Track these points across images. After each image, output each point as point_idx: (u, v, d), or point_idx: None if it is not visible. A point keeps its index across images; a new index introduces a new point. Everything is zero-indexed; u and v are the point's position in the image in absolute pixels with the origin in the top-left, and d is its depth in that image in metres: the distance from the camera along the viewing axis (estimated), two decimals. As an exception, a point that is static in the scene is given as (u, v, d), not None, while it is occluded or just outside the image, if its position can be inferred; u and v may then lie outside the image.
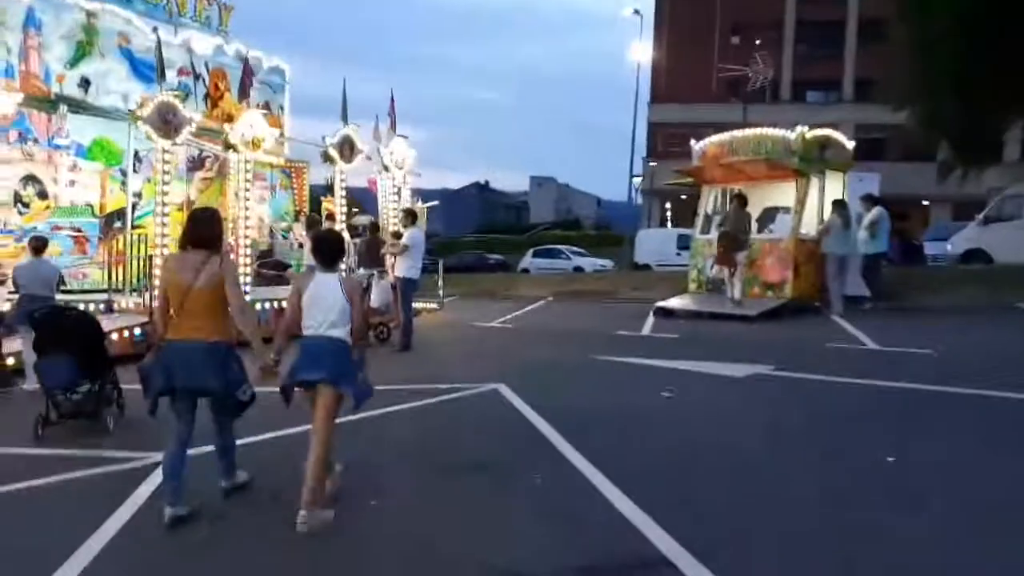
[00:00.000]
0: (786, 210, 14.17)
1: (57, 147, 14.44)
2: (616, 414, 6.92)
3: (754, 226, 13.81)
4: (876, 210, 13.38)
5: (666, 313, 14.02)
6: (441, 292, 15.93)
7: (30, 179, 14.08)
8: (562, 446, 5.80)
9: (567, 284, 20.19)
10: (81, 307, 9.06)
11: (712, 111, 34.61)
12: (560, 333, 11.03)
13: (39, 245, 8.32)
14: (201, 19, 17.56)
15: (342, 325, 4.38)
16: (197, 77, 17.14)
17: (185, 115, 10.48)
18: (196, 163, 16.91)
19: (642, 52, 36.78)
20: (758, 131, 14.73)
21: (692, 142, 15.65)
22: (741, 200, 13.39)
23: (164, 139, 10.31)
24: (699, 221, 15.56)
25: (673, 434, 6.31)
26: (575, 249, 34.69)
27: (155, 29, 15.04)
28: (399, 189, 15.52)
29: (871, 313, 12.87)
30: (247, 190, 11.98)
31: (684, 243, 23.08)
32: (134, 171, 15.42)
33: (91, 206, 14.83)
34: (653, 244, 30.03)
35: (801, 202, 13.74)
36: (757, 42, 38.54)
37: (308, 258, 9.16)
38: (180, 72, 16.66)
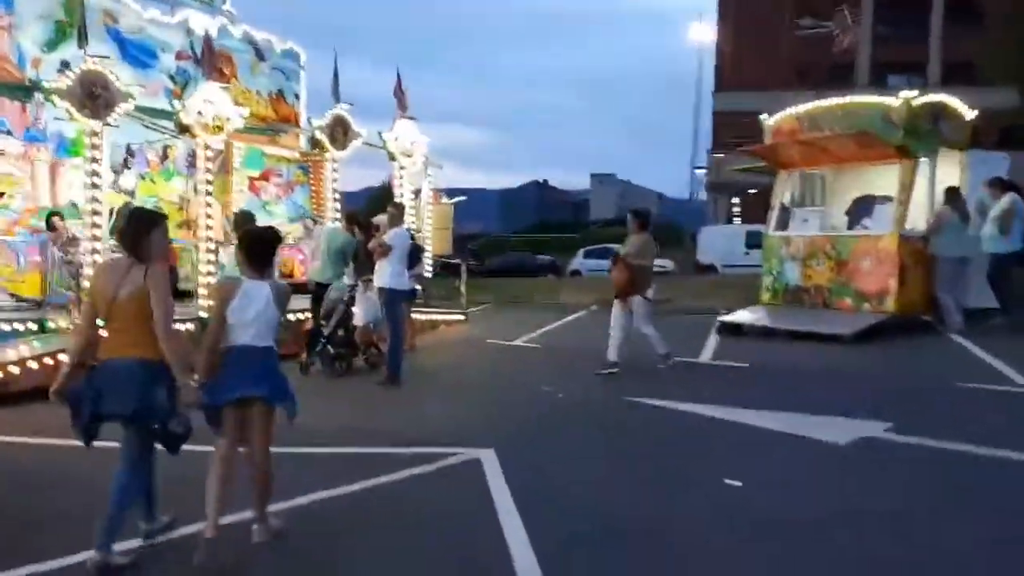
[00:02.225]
0: (885, 199, 11.31)
1: (34, 140, 12.72)
2: (648, 530, 4.39)
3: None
4: (1008, 197, 10.42)
5: (732, 330, 11.39)
6: (464, 300, 13.66)
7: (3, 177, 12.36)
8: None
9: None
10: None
11: (781, 99, 31.46)
12: (594, 357, 8.55)
13: None
14: (203, -2, 15.66)
15: (271, 335, 4.09)
16: (198, 61, 15.25)
17: (119, 89, 8.44)
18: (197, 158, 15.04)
19: (704, 35, 33.88)
20: (848, 99, 11.86)
21: (763, 117, 12.87)
22: (643, 221, 8.89)
23: (91, 119, 8.29)
24: (773, 214, 12.78)
25: None
26: (632, 249, 32.02)
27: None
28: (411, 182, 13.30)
29: (1003, 332, 9.98)
30: (208, 182, 9.92)
31: (754, 241, 20.50)
32: (126, 166, 13.66)
33: (76, 206, 13.07)
34: (718, 242, 27.35)
35: (906, 188, 10.87)
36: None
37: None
38: (178, 56, 14.76)
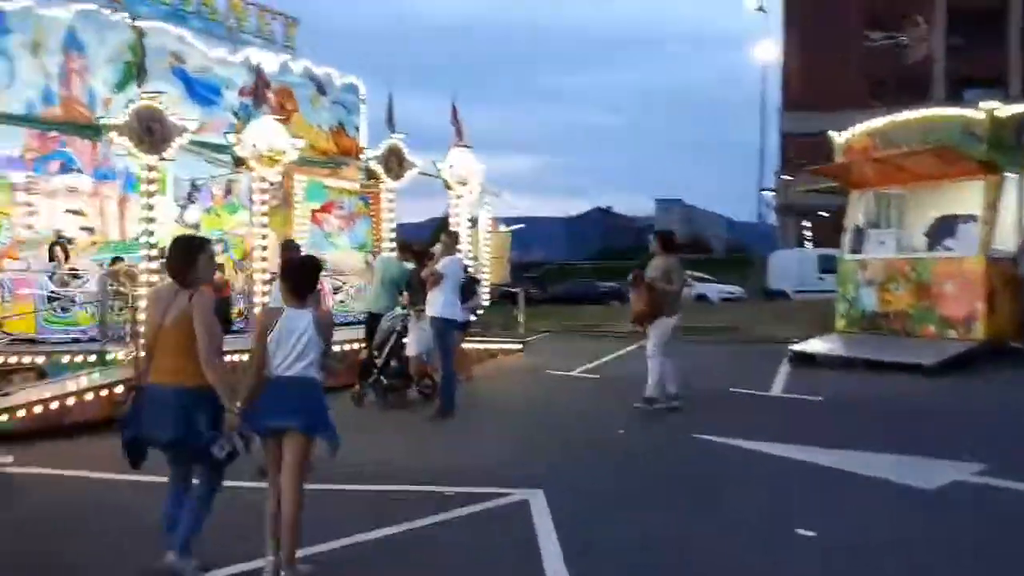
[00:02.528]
0: (969, 218, 10.59)
1: (104, 177, 13.11)
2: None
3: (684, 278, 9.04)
4: (1108, 214, 9.63)
5: (805, 360, 10.77)
6: (523, 328, 13.36)
7: (75, 213, 12.74)
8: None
9: (684, 317, 16.99)
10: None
11: (851, 116, 30.36)
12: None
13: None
14: (264, 34, 16.03)
15: (312, 365, 3.97)
16: (253, 95, 15.57)
17: (174, 124, 8.52)
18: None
19: (769, 53, 33.14)
20: (925, 112, 11.21)
21: (833, 134, 12.28)
22: (666, 242, 8.33)
23: (147, 154, 8.37)
24: (847, 237, 12.13)
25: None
26: (698, 275, 31.21)
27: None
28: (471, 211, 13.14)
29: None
30: (264, 214, 9.93)
31: (827, 265, 19.66)
32: (191, 201, 13.95)
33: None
34: (789, 267, 26.45)
35: (992, 206, 10.15)
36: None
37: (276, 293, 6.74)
38: (241, 92, 15.11)
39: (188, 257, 4.02)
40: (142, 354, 4.32)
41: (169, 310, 3.91)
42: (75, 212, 12.61)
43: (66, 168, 12.48)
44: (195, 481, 4.08)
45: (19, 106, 11.97)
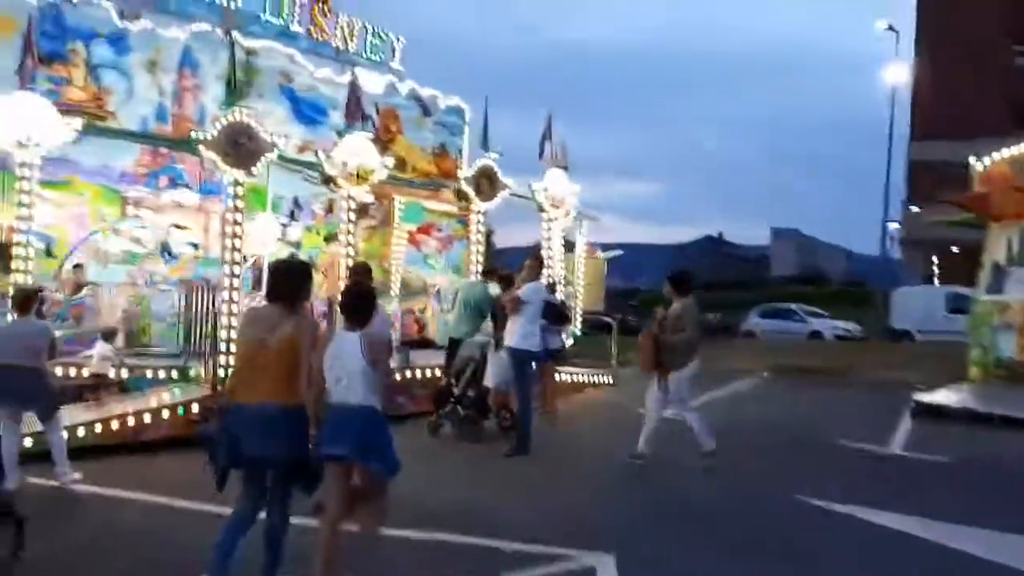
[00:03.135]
0: None
1: (210, 193, 13.45)
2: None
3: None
4: None
5: (931, 412, 9.62)
6: (615, 361, 12.68)
7: (178, 227, 13.11)
8: None
9: (793, 355, 15.83)
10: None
11: (987, 144, 27.90)
12: (758, 439, 7.31)
13: (24, 300, 6.42)
14: (372, 56, 16.19)
15: (366, 389, 3.95)
16: (366, 118, 15.69)
17: (264, 139, 8.46)
18: (361, 210, 15.34)
19: (898, 76, 31.11)
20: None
21: (972, 161, 11.07)
22: (678, 284, 7.42)
23: (234, 168, 8.34)
24: (984, 274, 10.88)
25: None
26: (813, 309, 29.41)
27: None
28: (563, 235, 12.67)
29: None
30: (350, 232, 9.76)
31: (957, 304, 18.00)
32: (293, 218, 14.16)
33: (245, 256, 13.63)
34: (915, 305, 24.50)
35: None
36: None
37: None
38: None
39: (295, 282, 4.08)
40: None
41: (273, 332, 3.91)
42: (180, 227, 12.94)
43: (175, 183, 12.82)
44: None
45: (134, 122, 12.44)
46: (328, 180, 9.37)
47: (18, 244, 8.09)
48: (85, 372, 8.57)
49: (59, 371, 8.34)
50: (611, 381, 12.40)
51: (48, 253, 11.30)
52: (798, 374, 14.02)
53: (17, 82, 8.39)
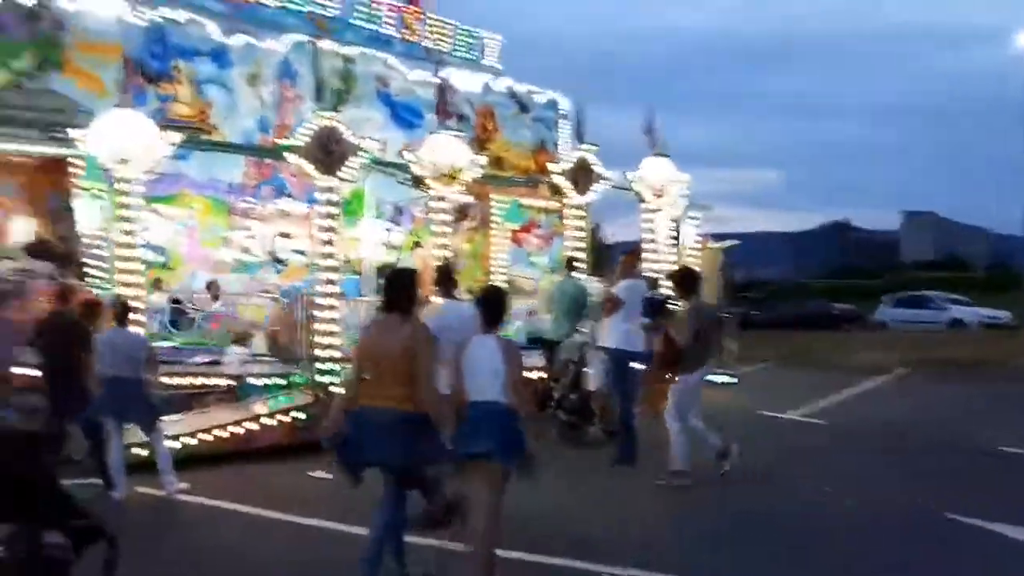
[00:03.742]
0: None
1: (314, 202, 13.61)
2: None
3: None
4: None
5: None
6: (734, 359, 11.84)
7: (286, 236, 13.31)
8: None
9: (931, 348, 14.40)
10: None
11: None
12: (897, 442, 6.42)
13: (122, 312, 6.45)
14: (465, 55, 16.00)
15: (501, 391, 4.04)
16: (461, 118, 15.54)
17: (351, 143, 8.28)
18: (461, 212, 15.17)
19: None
20: None
21: None
22: (679, 283, 7.00)
23: (324, 174, 8.20)
24: None
25: None
26: (953, 296, 27.04)
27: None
28: (677, 227, 11.92)
29: None
30: (443, 234, 9.47)
31: None
32: (395, 223, 14.14)
33: (348, 261, 13.73)
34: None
35: None
36: None
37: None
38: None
39: (410, 290, 4.26)
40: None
41: (391, 339, 4.07)
42: (286, 235, 13.10)
43: (280, 193, 13.00)
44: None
45: (237, 135, 12.71)
46: (418, 181, 9.11)
47: (125, 259, 8.24)
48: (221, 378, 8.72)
49: (168, 380, 8.51)
50: (732, 380, 11.57)
51: (163, 266, 11.69)
52: (939, 368, 12.69)
53: (124, 101, 8.59)
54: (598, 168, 10.22)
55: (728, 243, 14.99)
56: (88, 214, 10.95)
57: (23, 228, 11.33)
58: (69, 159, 9.67)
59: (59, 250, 10.39)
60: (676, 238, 12.61)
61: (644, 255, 11.23)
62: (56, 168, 10.92)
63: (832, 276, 51.71)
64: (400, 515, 4.23)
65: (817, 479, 6.34)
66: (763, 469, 7.10)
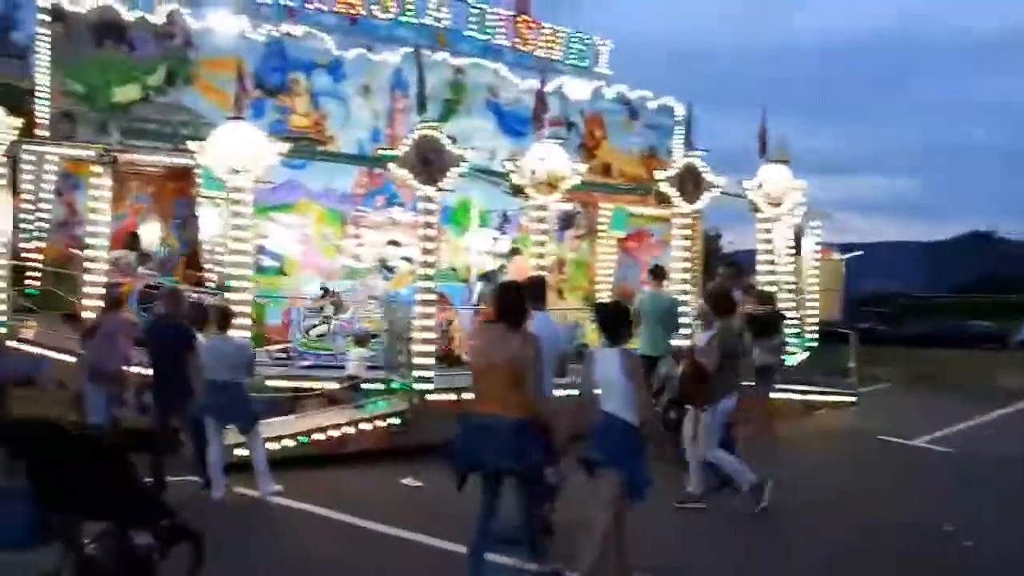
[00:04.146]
0: None
1: (419, 211, 13.85)
2: None
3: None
4: None
5: None
6: (855, 378, 11.06)
7: (395, 244, 13.59)
8: None
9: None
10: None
11: None
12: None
13: (223, 318, 6.66)
14: (577, 62, 15.84)
15: (623, 403, 4.30)
16: (571, 126, 15.43)
17: (452, 153, 8.26)
18: (567, 220, 15.03)
19: None
20: None
21: None
22: (715, 304, 6.56)
23: (425, 184, 8.21)
24: None
25: None
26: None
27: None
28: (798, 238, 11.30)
29: None
30: (542, 243, 9.30)
31: None
32: (501, 232, 14.18)
33: (455, 270, 13.89)
34: None
35: None
36: None
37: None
38: (550, 123, 15.07)
39: (519, 302, 4.39)
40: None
41: (501, 348, 4.22)
42: (395, 243, 13.33)
43: (391, 202, 13.26)
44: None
45: (352, 145, 13.07)
46: (518, 190, 9.01)
47: (235, 264, 8.55)
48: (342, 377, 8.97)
49: (271, 383, 8.78)
50: (852, 401, 10.81)
51: (280, 271, 12.14)
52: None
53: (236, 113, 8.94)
54: (707, 175, 9.78)
55: (852, 254, 14.09)
56: (210, 221, 11.61)
57: (153, 233, 12.12)
58: (193, 169, 10.20)
59: (137, 246, 11.02)
60: (796, 248, 11.95)
61: (760, 266, 10.76)
62: (183, 177, 11.63)
63: (970, 290, 48.03)
64: (490, 526, 4.33)
65: (937, 515, 5.74)
66: (877, 500, 6.53)
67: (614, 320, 4.51)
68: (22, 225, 11.00)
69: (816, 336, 12.33)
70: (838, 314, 13.51)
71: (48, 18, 11.17)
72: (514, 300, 4.41)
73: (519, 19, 14.89)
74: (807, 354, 11.72)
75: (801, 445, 8.80)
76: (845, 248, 15.09)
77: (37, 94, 11.17)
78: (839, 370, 11.93)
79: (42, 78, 11.25)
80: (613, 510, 4.21)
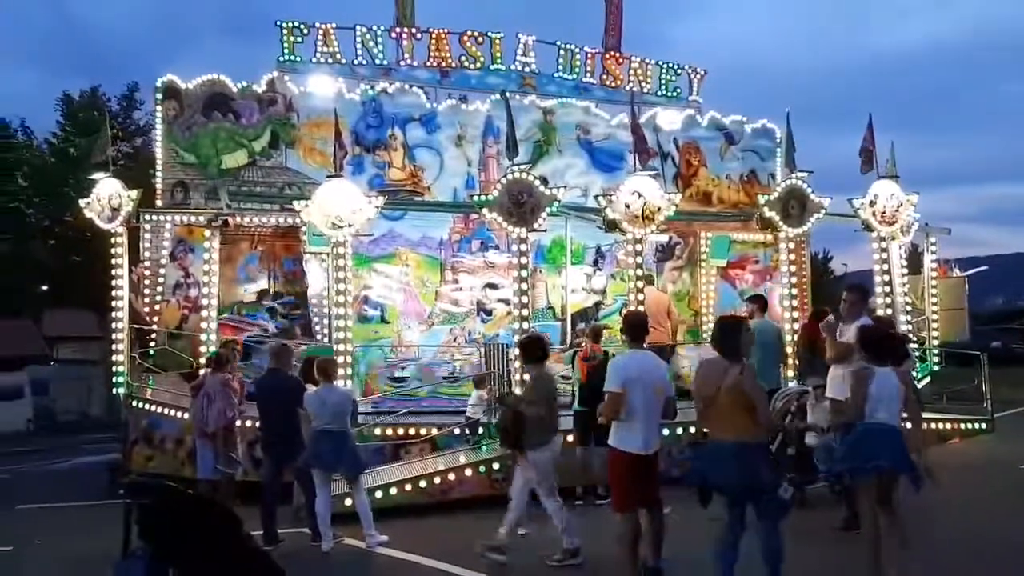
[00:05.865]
0: None
1: (517, 252, 13.89)
2: None
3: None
4: None
5: None
6: (989, 402, 10.19)
7: (492, 287, 13.68)
8: None
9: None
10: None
11: None
12: None
13: (327, 368, 6.78)
14: (668, 93, 15.64)
15: (893, 411, 5.10)
16: (665, 156, 15.19)
17: (543, 194, 8.23)
18: (666, 251, 14.74)
19: None
20: None
21: None
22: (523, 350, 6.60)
23: (517, 226, 8.20)
24: None
25: None
26: None
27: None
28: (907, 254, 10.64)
29: None
30: (638, 277, 9.08)
31: None
32: (596, 268, 14.06)
33: (552, 308, 13.84)
34: None
35: None
36: None
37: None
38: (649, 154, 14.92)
39: (735, 335, 4.79)
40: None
41: (724, 380, 4.60)
42: (492, 286, 13.39)
43: (486, 246, 13.37)
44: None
45: (446, 194, 13.30)
46: (613, 225, 8.87)
47: (339, 317, 8.79)
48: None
49: (377, 431, 8.89)
50: (987, 427, 9.96)
51: (382, 320, 12.40)
52: None
53: (344, 171, 9.25)
54: (812, 196, 9.34)
55: (975, 270, 13.16)
56: (315, 276, 12.06)
57: (261, 290, 12.69)
58: (299, 227, 10.62)
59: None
60: (915, 267, 11.24)
61: (877, 287, 10.12)
62: (290, 235, 12.15)
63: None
64: (737, 544, 4.63)
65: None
66: (1017, 539, 5.90)
67: (727, 336, 4.82)
68: (145, 291, 11.74)
69: (938, 359, 11.49)
70: (966, 334, 12.57)
71: (162, 96, 12.00)
72: (729, 335, 4.81)
73: (607, 55, 14.88)
74: (928, 379, 10.95)
75: (935, 472, 8.08)
76: (967, 263, 14.12)
77: (156, 166, 12.00)
78: (967, 395, 11.05)
79: (159, 151, 12.08)
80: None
